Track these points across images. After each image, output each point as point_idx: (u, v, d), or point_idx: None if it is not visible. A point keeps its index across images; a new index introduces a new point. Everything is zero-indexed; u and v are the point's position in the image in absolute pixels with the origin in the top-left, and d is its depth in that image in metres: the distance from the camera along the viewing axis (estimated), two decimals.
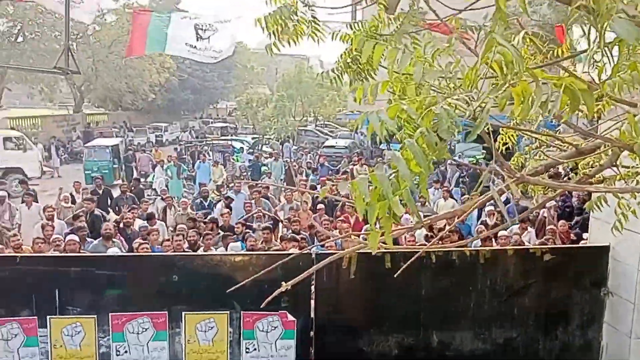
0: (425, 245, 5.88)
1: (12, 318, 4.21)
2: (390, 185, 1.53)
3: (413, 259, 3.06)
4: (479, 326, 4.83)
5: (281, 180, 15.17)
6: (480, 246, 6.14)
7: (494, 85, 1.69)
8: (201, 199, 11.25)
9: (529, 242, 7.55)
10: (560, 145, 3.34)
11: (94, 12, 7.44)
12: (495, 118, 2.17)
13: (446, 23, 3.47)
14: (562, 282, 4.95)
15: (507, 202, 10.69)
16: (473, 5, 2.78)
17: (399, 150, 1.66)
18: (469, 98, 1.62)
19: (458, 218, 3.97)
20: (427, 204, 9.81)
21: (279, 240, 7.78)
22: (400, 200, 1.60)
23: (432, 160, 1.60)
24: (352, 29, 3.43)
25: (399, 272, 3.08)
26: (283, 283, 2.46)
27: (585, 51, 2.11)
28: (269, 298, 2.52)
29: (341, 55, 3.54)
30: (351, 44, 3.32)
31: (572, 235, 8.13)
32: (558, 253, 4.98)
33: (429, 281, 4.72)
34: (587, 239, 7.73)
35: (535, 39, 3.26)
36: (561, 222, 8.42)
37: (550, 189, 4.57)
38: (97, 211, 9.33)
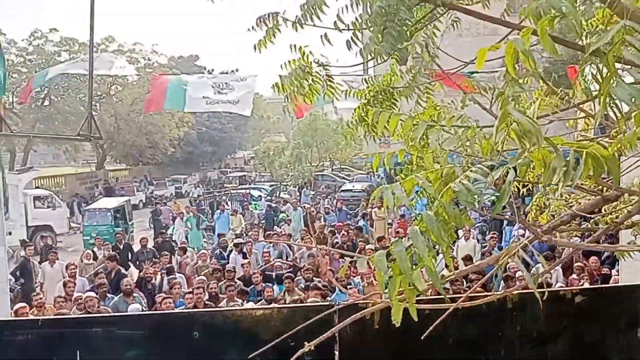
0: (449, 289, 5.74)
1: None
2: (411, 260, 1.52)
3: (443, 317, 2.98)
4: None
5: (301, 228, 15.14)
6: (505, 288, 5.96)
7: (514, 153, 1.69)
8: (220, 250, 11.28)
9: (556, 281, 7.32)
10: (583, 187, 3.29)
11: (112, 62, 7.80)
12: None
13: (456, 75, 3.52)
14: (596, 324, 4.74)
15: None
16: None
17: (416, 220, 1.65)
18: (489, 168, 1.62)
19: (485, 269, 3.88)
20: None
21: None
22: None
23: (453, 229, 1.59)
24: (366, 82, 3.52)
25: (425, 333, 3.00)
26: (306, 343, 2.42)
27: (598, 94, 2.11)
28: (294, 357, 2.47)
29: (355, 110, 3.62)
30: (366, 99, 3.40)
31: (602, 270, 7.87)
32: (590, 294, 4.79)
33: (456, 329, 4.56)
34: (616, 276, 7.48)
35: (547, 79, 3.29)
36: (592, 258, 8.17)
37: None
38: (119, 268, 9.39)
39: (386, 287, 1.59)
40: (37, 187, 27.80)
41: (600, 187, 3.08)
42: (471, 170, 1.63)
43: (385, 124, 2.18)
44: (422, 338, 4.37)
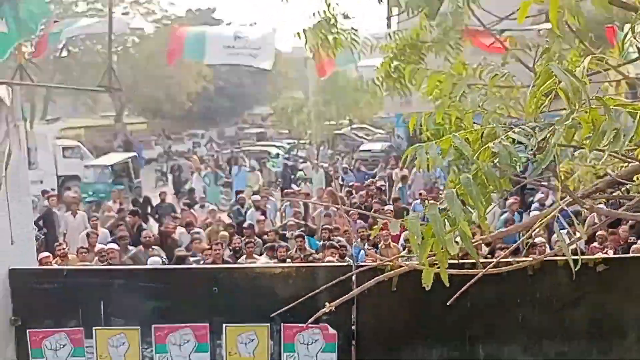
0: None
1: (59, 329, 4.30)
2: (445, 224, 1.46)
3: (471, 282, 2.93)
4: (529, 340, 4.63)
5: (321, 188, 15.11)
6: (527, 254, 5.90)
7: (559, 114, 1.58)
8: (238, 207, 11.35)
9: (577, 249, 7.24)
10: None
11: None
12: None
13: (485, 32, 3.35)
14: (617, 293, 4.68)
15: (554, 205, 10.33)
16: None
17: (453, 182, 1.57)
18: (533, 130, 1.52)
19: (523, 233, 3.81)
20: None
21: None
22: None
23: (491, 192, 1.51)
24: (391, 38, 3.37)
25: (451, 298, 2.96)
26: (327, 303, 2.41)
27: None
28: (313, 318, 2.47)
29: (381, 65, 3.49)
30: (392, 53, 3.27)
31: (629, 240, 7.76)
32: (612, 263, 4.71)
33: (475, 292, 4.54)
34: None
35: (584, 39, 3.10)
36: (622, 227, 8.04)
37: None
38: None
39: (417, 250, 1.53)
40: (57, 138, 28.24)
41: (636, 153, 2.95)
42: (513, 131, 1.54)
43: (421, 81, 2.08)
44: (440, 297, 4.38)
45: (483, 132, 1.69)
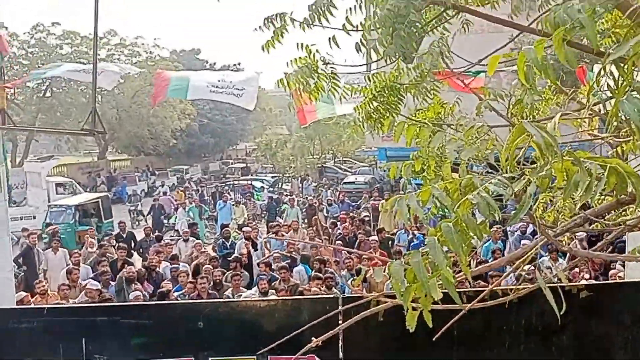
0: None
1: None
2: (427, 270, 1.53)
3: (456, 318, 2.97)
4: None
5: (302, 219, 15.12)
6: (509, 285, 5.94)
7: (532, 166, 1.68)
8: (223, 240, 11.28)
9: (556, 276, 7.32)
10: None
11: (115, 80, 7.75)
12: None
13: (461, 74, 3.50)
14: (601, 320, 4.73)
15: (534, 233, 10.50)
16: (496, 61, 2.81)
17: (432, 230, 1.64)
18: (509, 180, 1.61)
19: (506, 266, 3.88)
20: None
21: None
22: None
23: (471, 239, 1.59)
24: (369, 80, 3.51)
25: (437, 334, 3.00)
26: (313, 338, 2.44)
27: (611, 97, 2.09)
28: (301, 352, 2.49)
29: (360, 106, 3.61)
30: (372, 94, 3.39)
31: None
32: (595, 290, 4.78)
33: (461, 323, 4.56)
34: (618, 270, 7.47)
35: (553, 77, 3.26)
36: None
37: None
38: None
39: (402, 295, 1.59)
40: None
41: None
42: (491, 182, 1.63)
43: (400, 132, 2.18)
44: (427, 327, 4.38)
45: (461, 182, 1.77)
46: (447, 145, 2.09)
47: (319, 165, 31.75)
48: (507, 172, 1.72)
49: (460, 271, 2.86)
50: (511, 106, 2.95)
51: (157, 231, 13.22)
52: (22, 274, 9.05)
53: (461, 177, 1.81)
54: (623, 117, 1.58)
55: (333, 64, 3.29)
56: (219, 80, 7.76)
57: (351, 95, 3.84)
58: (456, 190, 1.72)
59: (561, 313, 4.69)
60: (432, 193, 1.68)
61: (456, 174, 2.08)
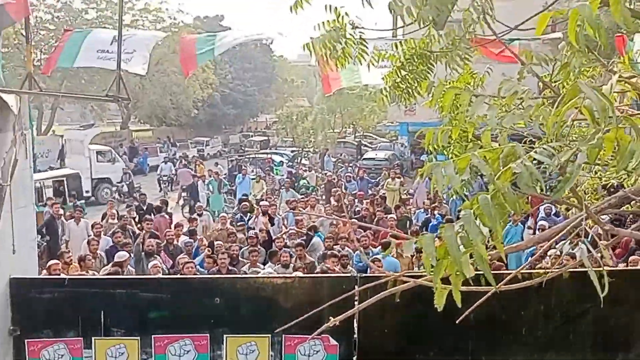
0: None
1: (58, 339, 4.28)
2: (460, 245, 1.42)
3: (482, 300, 2.88)
4: (532, 352, 4.57)
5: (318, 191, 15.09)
6: (532, 267, 5.83)
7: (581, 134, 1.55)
8: (241, 214, 11.31)
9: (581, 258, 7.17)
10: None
11: (146, 63, 7.43)
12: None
13: (494, 42, 3.32)
14: (622, 306, 4.62)
15: (557, 214, 10.24)
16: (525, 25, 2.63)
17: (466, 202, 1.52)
18: (555, 149, 1.47)
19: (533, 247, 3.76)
20: None
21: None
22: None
23: (507, 214, 1.47)
24: (397, 47, 3.35)
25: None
26: (330, 318, 2.38)
27: None
28: (317, 332, 2.44)
29: (388, 75, 3.47)
30: (400, 63, 3.25)
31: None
32: (616, 276, 4.65)
33: (479, 305, 4.49)
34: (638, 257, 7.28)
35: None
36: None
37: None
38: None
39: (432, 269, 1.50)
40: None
41: None
42: (535, 151, 1.50)
43: (438, 95, 2.04)
44: (443, 309, 4.33)
45: (502, 151, 1.64)
46: (488, 111, 1.94)
47: (340, 139, 31.55)
48: (551, 141, 1.58)
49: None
50: (555, 70, 2.75)
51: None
52: (45, 243, 9.26)
53: (502, 146, 1.67)
54: None
55: (362, 28, 3.15)
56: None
57: (378, 62, 3.70)
58: (496, 160, 1.60)
59: (582, 299, 4.60)
60: (471, 161, 1.56)
61: (496, 144, 1.92)
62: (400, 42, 3.53)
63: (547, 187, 1.95)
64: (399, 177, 15.89)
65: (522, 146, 1.63)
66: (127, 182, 19.88)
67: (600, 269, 5.21)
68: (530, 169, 1.46)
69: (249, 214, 11.13)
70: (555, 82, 3.21)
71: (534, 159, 1.53)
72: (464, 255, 1.49)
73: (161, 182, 20.18)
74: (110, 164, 20.69)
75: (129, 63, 6.96)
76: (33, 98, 22.87)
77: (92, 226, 9.08)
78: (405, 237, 7.95)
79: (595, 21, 1.44)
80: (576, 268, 5.00)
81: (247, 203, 12.09)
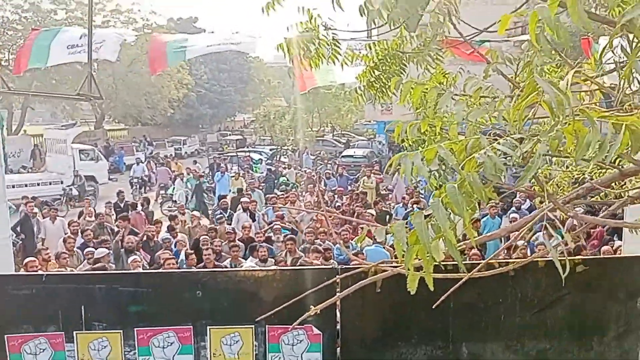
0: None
1: (39, 334, 4.23)
2: (430, 232, 1.49)
3: (456, 286, 2.95)
4: (511, 338, 4.69)
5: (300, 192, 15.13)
6: (505, 257, 5.99)
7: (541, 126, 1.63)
8: (221, 211, 11.28)
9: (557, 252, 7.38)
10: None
11: (117, 50, 7.44)
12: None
13: (464, 43, 3.42)
14: (596, 293, 4.78)
15: (530, 209, 10.50)
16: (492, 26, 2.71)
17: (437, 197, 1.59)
18: (517, 141, 1.55)
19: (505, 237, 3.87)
20: None
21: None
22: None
23: (475, 202, 1.54)
24: (370, 48, 3.43)
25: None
26: (312, 306, 2.43)
27: (620, 66, 2.03)
28: (299, 321, 2.48)
29: (362, 74, 3.54)
30: (373, 63, 3.32)
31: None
32: (591, 264, 4.82)
33: (458, 293, 4.60)
34: (611, 247, 7.54)
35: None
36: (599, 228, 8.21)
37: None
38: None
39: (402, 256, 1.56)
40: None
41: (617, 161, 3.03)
42: (498, 142, 1.57)
43: (407, 93, 2.10)
44: (423, 297, 4.41)
45: (468, 143, 1.71)
46: (455, 105, 2.03)
47: (318, 138, 31.63)
48: (515, 134, 1.67)
49: (461, 241, 2.85)
50: (519, 69, 2.87)
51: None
52: (20, 242, 9.08)
53: (469, 138, 1.75)
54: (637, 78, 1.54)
55: (334, 29, 3.21)
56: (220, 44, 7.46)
57: (352, 62, 3.76)
58: (462, 151, 1.68)
59: (557, 287, 4.74)
60: (437, 152, 1.63)
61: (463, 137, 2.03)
62: (374, 43, 3.60)
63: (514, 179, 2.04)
64: (376, 174, 16.05)
65: (487, 139, 1.71)
66: (78, 185, 19.13)
67: (575, 257, 5.38)
68: (494, 159, 1.53)
69: (228, 210, 11.10)
70: (521, 81, 3.35)
71: (498, 150, 1.60)
72: (434, 241, 1.55)
73: (133, 183, 19.82)
74: (93, 162, 20.86)
75: (99, 51, 6.92)
76: (2, 98, 22.30)
77: (69, 224, 8.94)
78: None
79: (554, 22, 1.52)
80: (546, 257, 5.16)
81: (226, 200, 12.05)
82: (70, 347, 4.23)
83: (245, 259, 7.26)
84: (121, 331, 4.28)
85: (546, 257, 5.51)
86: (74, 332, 4.25)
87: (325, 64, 3.49)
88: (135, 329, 4.29)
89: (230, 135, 40.24)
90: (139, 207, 11.12)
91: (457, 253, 1.65)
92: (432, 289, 1.94)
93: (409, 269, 1.71)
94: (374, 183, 14.99)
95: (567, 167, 5.89)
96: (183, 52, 7.17)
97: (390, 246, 7.59)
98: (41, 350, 4.20)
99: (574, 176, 6.49)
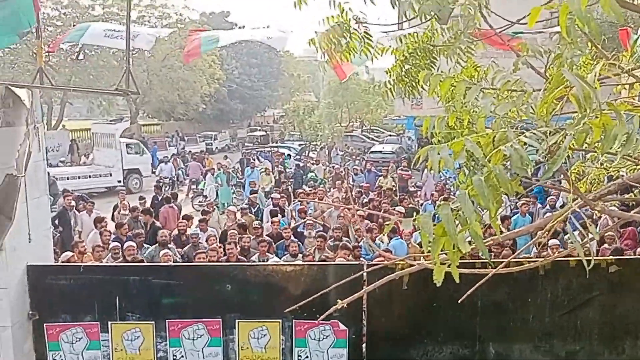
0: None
1: (76, 323, 4.41)
2: (457, 224, 1.49)
3: (482, 281, 2.95)
4: (539, 339, 4.63)
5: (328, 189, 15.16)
6: (537, 255, 5.89)
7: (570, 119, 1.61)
8: (250, 206, 11.41)
9: (589, 251, 7.21)
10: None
11: (152, 40, 7.72)
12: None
13: (497, 36, 3.37)
14: (629, 294, 4.67)
15: (564, 207, 10.25)
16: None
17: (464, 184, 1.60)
18: (544, 134, 1.54)
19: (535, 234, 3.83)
20: None
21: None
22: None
23: (502, 194, 1.53)
24: (401, 42, 3.42)
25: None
26: (339, 300, 2.46)
27: None
28: (325, 314, 2.52)
29: (391, 68, 3.53)
30: (403, 56, 3.31)
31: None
32: (624, 264, 4.70)
33: (486, 292, 4.56)
34: None
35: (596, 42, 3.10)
36: (630, 228, 8.00)
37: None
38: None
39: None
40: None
41: None
42: (525, 135, 1.56)
43: (436, 87, 2.10)
44: (450, 296, 4.39)
45: (495, 136, 1.71)
46: (482, 99, 2.01)
47: (346, 133, 31.56)
48: (542, 127, 1.65)
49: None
50: (549, 62, 2.81)
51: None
52: (58, 234, 9.40)
53: (496, 131, 1.74)
54: None
55: (366, 22, 3.22)
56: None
57: (382, 55, 3.76)
58: (489, 144, 1.67)
59: (588, 287, 4.65)
60: (464, 145, 1.63)
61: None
62: (404, 37, 3.58)
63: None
64: (404, 170, 15.88)
65: (515, 132, 1.70)
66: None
67: (608, 258, 5.25)
68: (520, 152, 1.52)
69: (257, 206, 11.23)
70: (552, 74, 3.26)
71: (525, 143, 1.59)
72: (460, 233, 1.55)
73: (161, 183, 20.11)
74: (138, 155, 21.60)
75: (135, 40, 7.16)
76: (43, 93, 23.11)
77: (101, 220, 9.18)
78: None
79: (584, 14, 1.50)
80: (577, 257, 5.03)
81: (255, 196, 12.18)
82: (104, 337, 4.40)
83: (277, 255, 7.35)
84: (153, 322, 4.43)
85: (577, 257, 5.41)
86: (109, 322, 4.42)
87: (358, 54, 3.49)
88: (167, 320, 4.43)
89: (252, 132, 40.29)
90: (172, 202, 11.39)
91: (483, 245, 1.65)
92: (457, 281, 1.94)
93: (435, 262, 1.71)
94: (389, 183, 14.76)
95: (602, 164, 5.75)
96: (216, 41, 7.32)
97: (417, 244, 7.56)
98: (77, 340, 4.38)
99: (608, 173, 6.32)
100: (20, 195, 4.45)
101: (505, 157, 1.56)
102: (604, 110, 1.49)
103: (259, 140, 32.78)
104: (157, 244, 7.50)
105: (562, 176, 2.19)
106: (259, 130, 39.55)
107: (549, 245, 6.64)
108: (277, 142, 32.29)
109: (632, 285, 4.64)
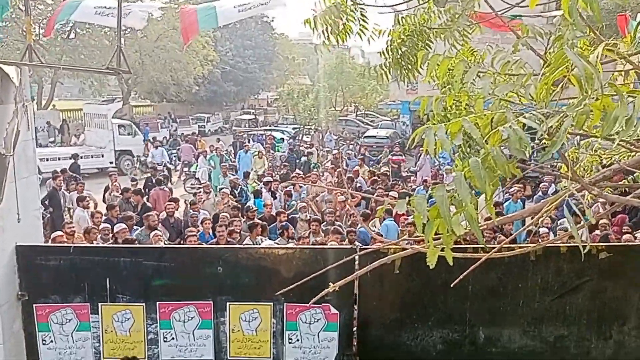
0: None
1: (66, 304, 4.39)
2: (451, 206, 1.46)
3: (474, 266, 2.94)
4: (529, 324, 4.67)
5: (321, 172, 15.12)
6: (529, 242, 5.92)
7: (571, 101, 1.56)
8: (232, 189, 11.33)
9: (581, 237, 7.25)
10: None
11: (144, 18, 7.51)
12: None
13: (495, 18, 3.32)
14: (618, 281, 4.71)
15: (556, 194, 10.31)
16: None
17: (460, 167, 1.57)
18: (543, 116, 1.50)
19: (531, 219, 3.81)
20: None
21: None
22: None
23: (499, 177, 1.50)
24: (399, 23, 3.36)
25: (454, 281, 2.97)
26: (330, 284, 2.44)
27: None
28: (316, 298, 2.51)
29: (387, 50, 3.48)
30: (400, 38, 3.26)
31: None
32: (614, 251, 4.73)
33: (477, 277, 4.58)
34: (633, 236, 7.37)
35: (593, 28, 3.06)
36: (621, 216, 8.05)
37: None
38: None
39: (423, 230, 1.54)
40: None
41: None
42: (524, 117, 1.53)
43: (434, 67, 2.05)
44: (441, 280, 4.40)
45: (493, 117, 1.67)
46: (481, 80, 1.97)
47: (341, 118, 31.42)
48: (542, 108, 1.61)
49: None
50: (550, 44, 2.77)
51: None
52: (48, 215, 9.33)
53: (494, 112, 1.70)
54: None
55: (362, 4, 3.16)
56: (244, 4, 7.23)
57: (379, 37, 3.70)
58: (487, 125, 1.63)
59: (578, 273, 4.68)
60: (462, 125, 1.59)
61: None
62: (401, 19, 3.53)
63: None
64: (397, 155, 15.83)
65: (514, 113, 1.66)
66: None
67: (598, 244, 5.27)
68: (519, 133, 1.48)
69: (249, 189, 11.19)
70: (552, 57, 3.21)
71: (524, 125, 1.56)
72: (455, 215, 1.52)
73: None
74: (130, 137, 21.46)
75: (126, 18, 6.95)
76: (33, 72, 22.74)
77: (83, 199, 9.09)
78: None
79: None
80: (568, 243, 5.05)
81: (249, 178, 12.13)
82: (95, 319, 4.38)
83: (270, 239, 7.34)
84: (144, 304, 4.41)
85: (568, 243, 5.44)
86: (99, 304, 4.39)
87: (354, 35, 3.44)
88: (158, 302, 4.41)
89: (240, 115, 39.84)
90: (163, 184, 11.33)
91: (477, 228, 1.62)
92: (451, 264, 1.92)
93: (428, 244, 1.68)
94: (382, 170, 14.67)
95: (596, 151, 5.76)
96: (214, 18, 7.08)
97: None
98: (67, 321, 4.36)
99: (601, 160, 6.35)
100: (8, 174, 4.38)
101: (503, 139, 1.52)
102: (605, 92, 1.46)
103: (247, 124, 32.55)
104: (144, 227, 7.47)
105: (557, 162, 2.15)
106: (250, 113, 39.26)
107: (540, 234, 6.68)
108: (270, 126, 32.09)
109: (621, 272, 4.68)
